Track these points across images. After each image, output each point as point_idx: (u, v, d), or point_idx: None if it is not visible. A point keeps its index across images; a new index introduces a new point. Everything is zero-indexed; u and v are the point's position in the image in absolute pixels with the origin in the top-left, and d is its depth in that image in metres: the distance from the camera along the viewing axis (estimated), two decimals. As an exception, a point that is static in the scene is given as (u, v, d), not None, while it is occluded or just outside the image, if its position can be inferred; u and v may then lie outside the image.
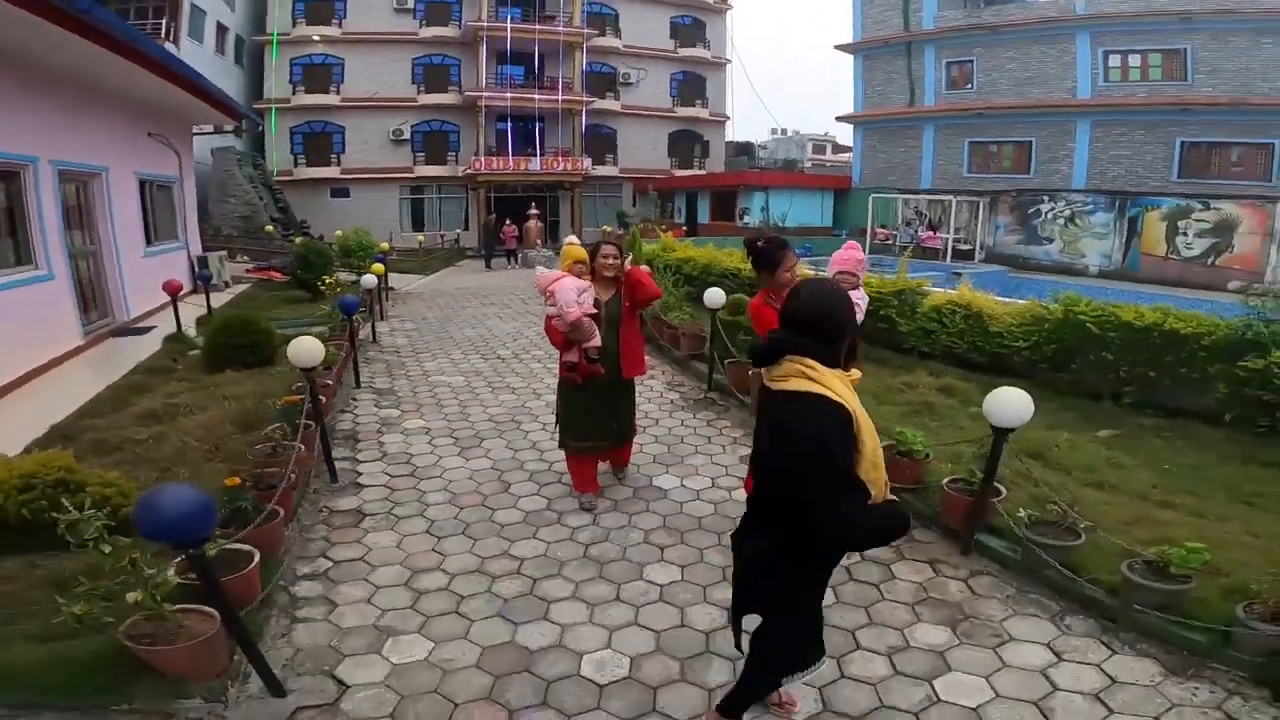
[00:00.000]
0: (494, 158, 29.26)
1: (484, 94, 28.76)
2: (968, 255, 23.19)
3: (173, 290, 8.79)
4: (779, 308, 2.27)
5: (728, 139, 38.34)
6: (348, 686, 2.71)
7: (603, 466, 4.63)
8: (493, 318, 11.47)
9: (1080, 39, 23.24)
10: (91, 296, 9.04)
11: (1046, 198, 22.84)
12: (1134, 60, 22.41)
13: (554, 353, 4.56)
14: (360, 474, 4.83)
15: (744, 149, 41.43)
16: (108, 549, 2.50)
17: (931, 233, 24.36)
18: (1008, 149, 25.14)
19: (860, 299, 3.62)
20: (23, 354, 6.94)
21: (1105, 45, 22.81)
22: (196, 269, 12.70)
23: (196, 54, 23.23)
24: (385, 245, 18.55)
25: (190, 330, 8.83)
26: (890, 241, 24.56)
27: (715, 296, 6.43)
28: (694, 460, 5.09)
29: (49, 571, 3.08)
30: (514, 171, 29.16)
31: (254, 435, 4.53)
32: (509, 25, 28.59)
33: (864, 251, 4.01)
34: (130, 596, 2.49)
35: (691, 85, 34.98)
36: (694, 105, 34.87)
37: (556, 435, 4.42)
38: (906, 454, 4.12)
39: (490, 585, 3.44)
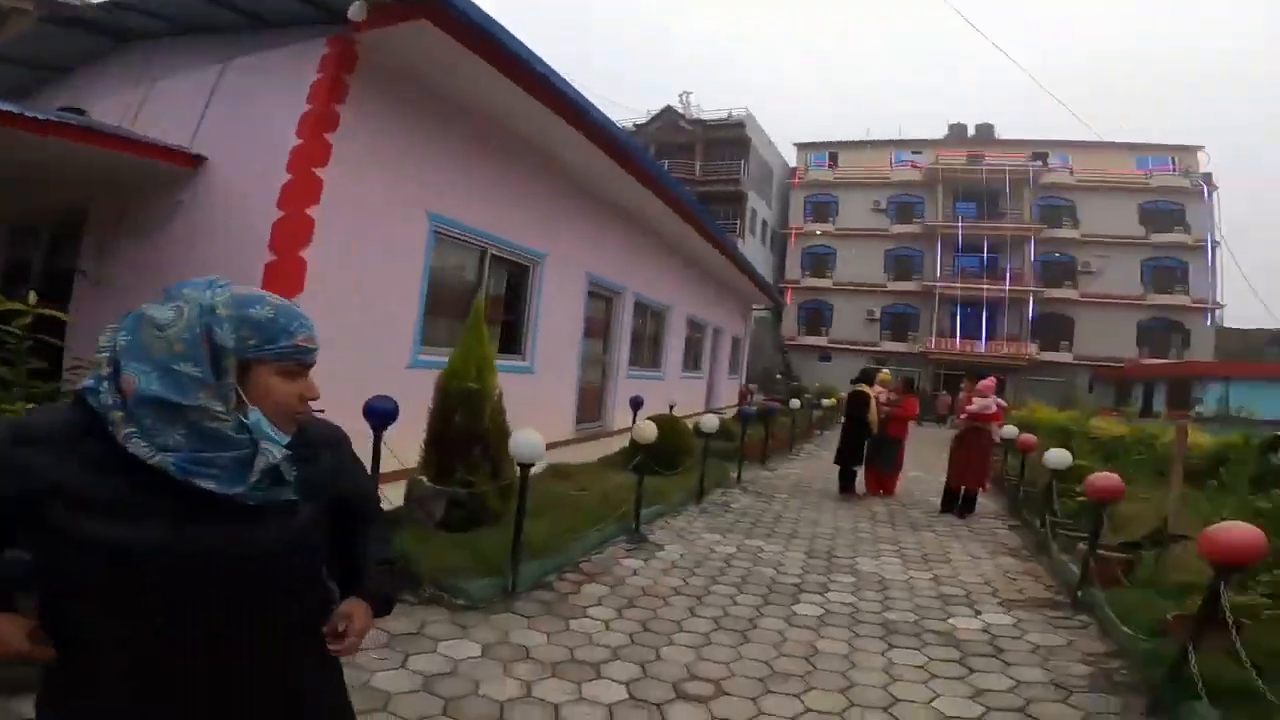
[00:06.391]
0: (945, 339, 34.25)
1: (940, 283, 34.49)
2: None
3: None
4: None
5: (1257, 326, 35.42)
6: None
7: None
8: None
9: None
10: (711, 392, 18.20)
11: None
12: None
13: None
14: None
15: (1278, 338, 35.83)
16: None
17: None
18: None
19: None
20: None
21: None
22: (749, 392, 21.27)
23: (751, 244, 33.10)
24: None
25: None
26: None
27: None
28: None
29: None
30: (961, 352, 33.57)
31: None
32: (960, 223, 34.58)
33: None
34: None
35: (1167, 271, 33.10)
36: (1170, 292, 32.83)
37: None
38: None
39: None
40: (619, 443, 8.57)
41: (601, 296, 10.65)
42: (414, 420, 4.65)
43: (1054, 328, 33.38)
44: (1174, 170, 33.45)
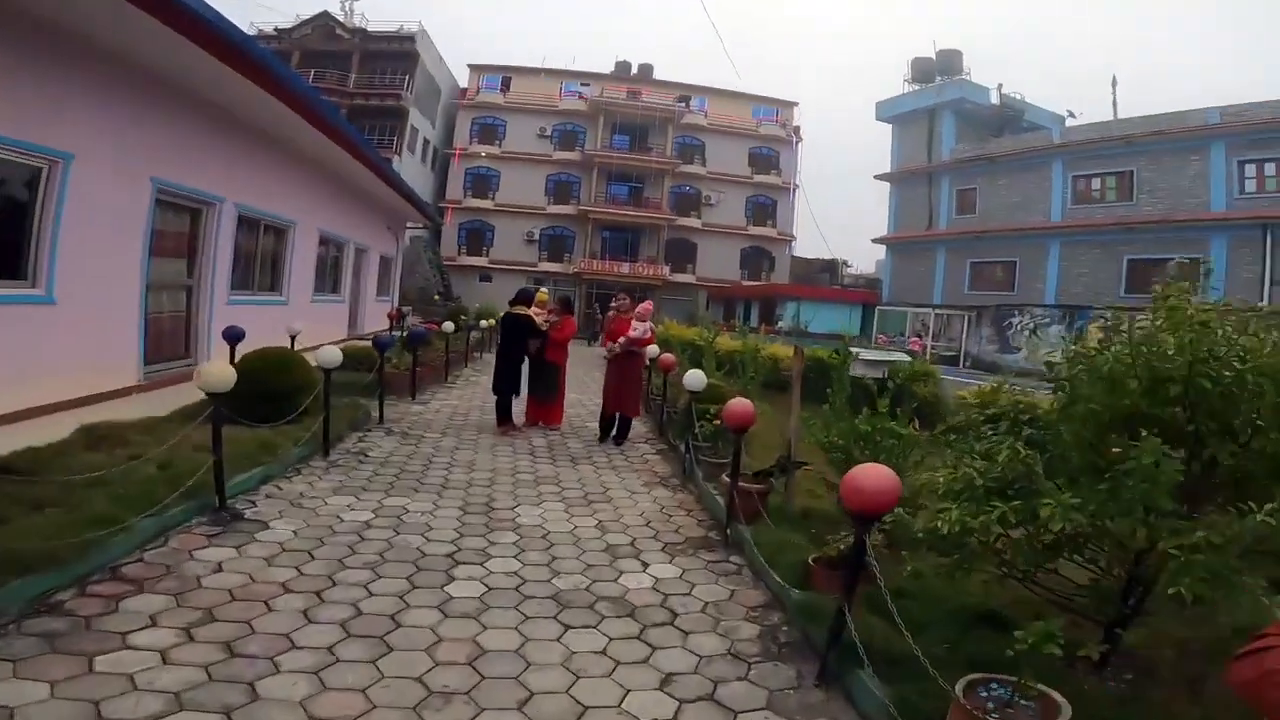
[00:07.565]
0: (596, 260, 36.16)
1: (593, 208, 36.24)
2: (953, 361, 24.35)
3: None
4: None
5: (815, 256, 42.92)
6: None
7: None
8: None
9: (1055, 166, 25.22)
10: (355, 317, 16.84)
11: (1016, 312, 24.12)
12: (1095, 184, 24.31)
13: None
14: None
15: (828, 266, 42.77)
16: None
17: (917, 339, 26.46)
18: (998, 268, 26.93)
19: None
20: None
21: (1074, 171, 24.74)
22: (399, 315, 19.59)
23: (411, 163, 32.13)
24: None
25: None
26: (890, 346, 26.24)
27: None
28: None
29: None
30: (610, 273, 35.46)
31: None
32: (615, 154, 36.34)
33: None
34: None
35: (762, 207, 38.84)
36: (764, 225, 38.77)
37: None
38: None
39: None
40: (215, 386, 6.58)
41: (184, 208, 8.43)
42: None
43: (682, 252, 37.82)
44: (776, 121, 39.40)
